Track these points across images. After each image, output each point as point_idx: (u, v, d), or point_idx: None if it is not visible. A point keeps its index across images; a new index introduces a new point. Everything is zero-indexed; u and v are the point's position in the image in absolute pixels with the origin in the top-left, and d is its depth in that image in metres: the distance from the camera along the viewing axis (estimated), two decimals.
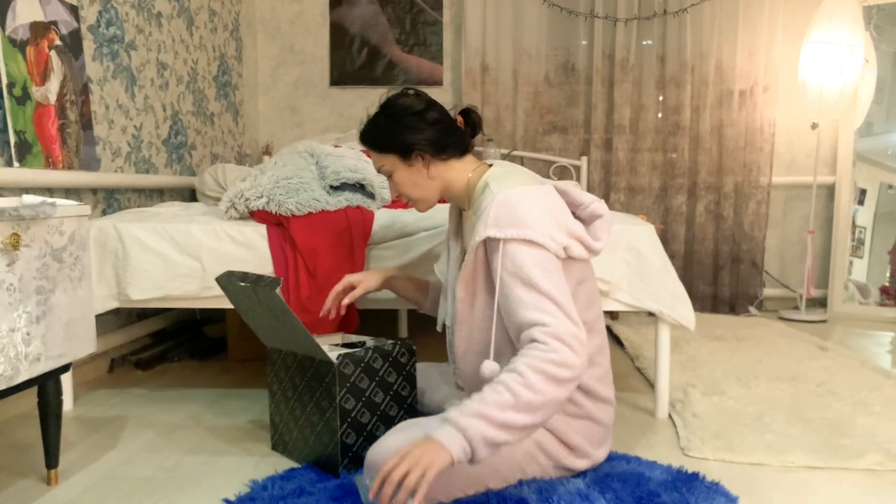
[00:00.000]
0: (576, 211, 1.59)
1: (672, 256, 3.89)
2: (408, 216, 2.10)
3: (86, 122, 2.43)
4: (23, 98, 2.10)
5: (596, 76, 3.94)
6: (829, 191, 4.00)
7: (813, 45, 3.63)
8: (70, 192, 2.36)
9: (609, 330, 3.26)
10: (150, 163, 2.96)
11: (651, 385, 2.38)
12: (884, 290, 3.85)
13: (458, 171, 1.60)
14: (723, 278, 3.97)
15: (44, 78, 2.20)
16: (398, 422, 1.69)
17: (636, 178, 3.99)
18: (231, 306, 1.92)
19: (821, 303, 4.01)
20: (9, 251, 1.36)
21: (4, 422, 2.05)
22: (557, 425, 1.50)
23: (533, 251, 1.40)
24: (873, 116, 3.92)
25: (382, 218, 2.10)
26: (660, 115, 3.98)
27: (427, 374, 1.89)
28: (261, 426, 2.02)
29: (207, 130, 3.53)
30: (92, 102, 2.52)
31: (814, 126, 3.77)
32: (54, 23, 2.27)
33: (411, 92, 1.61)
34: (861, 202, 3.95)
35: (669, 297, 1.99)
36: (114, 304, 2.09)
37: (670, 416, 2.08)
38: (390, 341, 1.73)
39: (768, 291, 4.06)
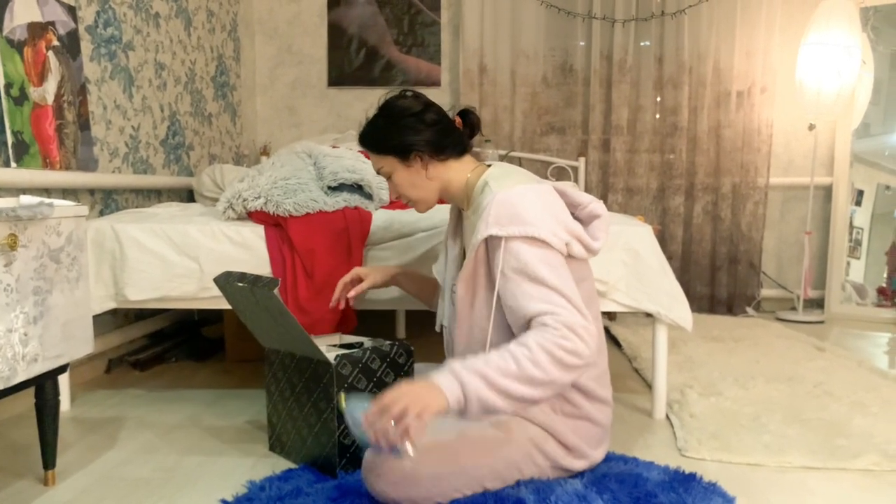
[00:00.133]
0: (574, 211, 1.59)
1: (669, 257, 3.89)
2: (406, 217, 2.10)
3: (83, 123, 2.43)
4: (20, 98, 2.10)
5: (594, 77, 3.95)
6: (827, 192, 4.01)
7: (810, 46, 3.64)
8: (67, 192, 2.36)
9: (607, 331, 3.26)
10: (148, 163, 2.95)
11: (648, 386, 2.38)
12: (881, 291, 3.86)
13: (456, 171, 1.61)
14: (720, 279, 3.98)
15: (41, 78, 2.20)
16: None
17: (634, 179, 4.00)
18: (229, 307, 1.92)
19: (818, 303, 4.02)
20: (6, 252, 1.36)
21: (2, 422, 2.05)
22: (555, 426, 1.50)
23: (536, 248, 1.41)
24: (870, 118, 3.93)
25: (380, 219, 2.10)
26: (657, 115, 3.99)
27: (425, 375, 1.89)
28: (258, 427, 2.02)
29: (205, 131, 3.53)
30: (89, 103, 2.52)
31: (811, 127, 3.78)
32: (52, 23, 2.27)
33: (409, 93, 1.62)
34: (858, 203, 3.95)
35: (667, 297, 1.99)
36: (111, 305, 2.09)
37: (668, 417, 2.08)
38: (388, 342, 1.73)
39: (765, 292, 4.06)
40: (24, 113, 2.11)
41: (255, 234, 2.08)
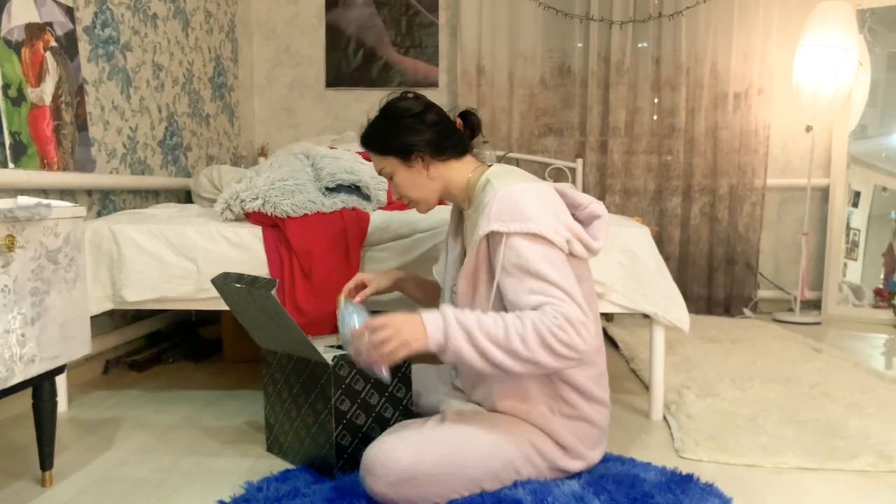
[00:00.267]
0: (574, 212, 1.60)
1: (667, 258, 3.90)
2: (403, 218, 2.10)
3: (81, 124, 2.42)
4: (18, 99, 2.10)
5: (591, 79, 3.95)
6: (824, 193, 4.02)
7: (807, 47, 3.65)
8: (65, 193, 2.35)
9: (604, 332, 3.26)
10: (146, 164, 2.95)
11: (646, 387, 2.39)
12: (878, 293, 3.87)
13: (457, 171, 1.61)
14: (717, 280, 3.99)
15: (39, 79, 2.20)
16: (393, 423, 1.69)
17: (631, 181, 4.00)
18: (226, 308, 1.92)
19: (815, 305, 4.03)
20: (3, 253, 1.36)
21: None
22: (553, 427, 1.51)
23: (537, 244, 1.41)
24: (867, 119, 3.94)
25: (378, 220, 2.10)
26: (655, 117, 3.99)
27: (423, 376, 1.89)
28: (256, 427, 2.02)
29: (203, 132, 3.53)
30: (87, 104, 2.52)
31: (808, 129, 3.78)
32: (49, 24, 2.27)
33: (410, 95, 1.63)
34: (855, 204, 3.96)
35: (664, 298, 1.99)
36: (109, 306, 2.08)
37: (665, 418, 2.08)
38: None
39: (762, 293, 4.07)
40: (22, 113, 2.11)
41: (252, 235, 2.08)
